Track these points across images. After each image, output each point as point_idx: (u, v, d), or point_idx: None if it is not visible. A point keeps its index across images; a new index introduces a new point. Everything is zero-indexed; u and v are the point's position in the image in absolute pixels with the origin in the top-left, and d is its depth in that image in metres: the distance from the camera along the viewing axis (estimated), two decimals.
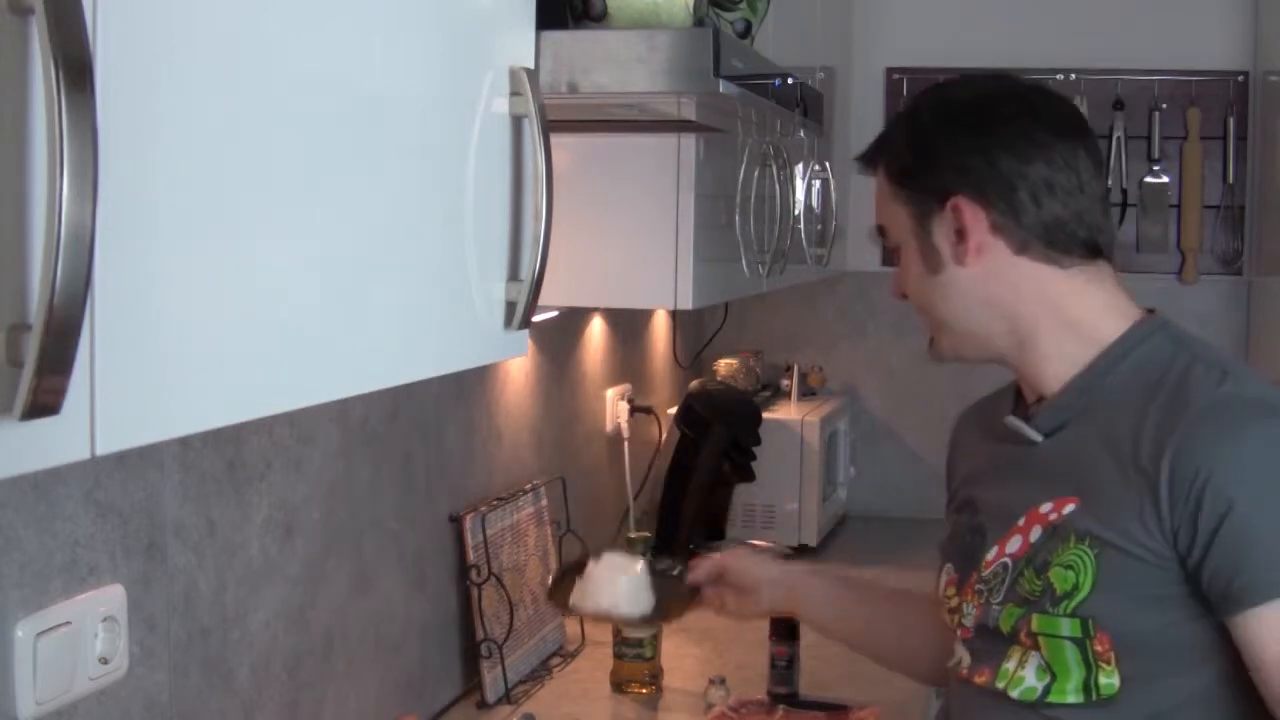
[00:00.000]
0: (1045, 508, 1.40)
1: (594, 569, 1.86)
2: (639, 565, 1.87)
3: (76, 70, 0.63)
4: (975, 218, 1.42)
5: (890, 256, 1.53)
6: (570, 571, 1.90)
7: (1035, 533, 1.40)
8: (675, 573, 1.90)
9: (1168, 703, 1.34)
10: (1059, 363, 1.44)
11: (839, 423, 3.48)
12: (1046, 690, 1.37)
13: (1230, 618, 1.30)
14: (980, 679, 1.44)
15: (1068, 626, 1.35)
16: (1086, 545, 1.35)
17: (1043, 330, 1.44)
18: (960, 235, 1.43)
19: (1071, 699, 1.36)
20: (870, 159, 1.52)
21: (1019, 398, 1.53)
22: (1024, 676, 1.39)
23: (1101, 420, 1.39)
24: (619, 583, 1.85)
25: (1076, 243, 1.43)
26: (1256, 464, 1.30)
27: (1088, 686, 1.35)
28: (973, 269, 1.43)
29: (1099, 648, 1.34)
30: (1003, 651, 1.42)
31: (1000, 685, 1.41)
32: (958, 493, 1.60)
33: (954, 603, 1.51)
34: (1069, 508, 1.38)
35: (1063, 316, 1.44)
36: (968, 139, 1.44)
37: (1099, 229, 1.44)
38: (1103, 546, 1.34)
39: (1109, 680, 1.34)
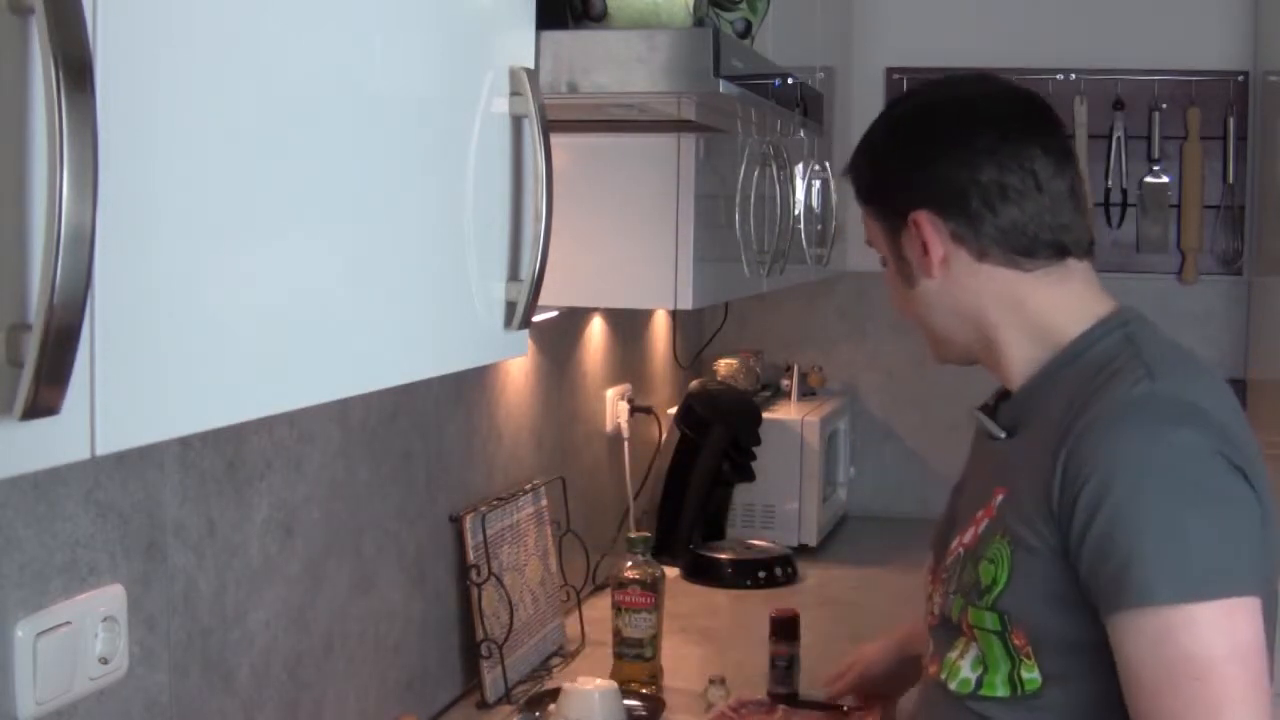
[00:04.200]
0: (991, 502, 1.42)
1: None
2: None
3: (76, 70, 0.63)
4: (935, 230, 1.44)
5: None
6: None
7: (983, 525, 1.41)
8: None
9: (1089, 704, 1.33)
10: (1022, 363, 1.46)
11: (839, 423, 3.48)
12: (979, 683, 1.39)
13: (1104, 620, 1.28)
14: (933, 669, 1.47)
15: (990, 620, 1.36)
16: (1006, 540, 1.36)
17: (1006, 333, 1.46)
18: (925, 249, 1.45)
19: (1000, 692, 1.37)
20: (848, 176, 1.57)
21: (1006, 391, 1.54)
22: (961, 667, 1.41)
23: (1044, 417, 1.40)
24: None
25: (1039, 244, 1.43)
26: (1135, 464, 1.27)
27: (1013, 680, 1.36)
28: (940, 280, 1.46)
29: (1017, 642, 1.35)
30: (951, 642, 1.44)
31: (943, 676, 1.43)
32: (958, 483, 1.62)
33: (929, 590, 1.54)
34: (1000, 499, 1.39)
35: (1024, 319, 1.45)
36: (915, 153, 1.46)
37: (1063, 228, 1.43)
38: (1016, 541, 1.35)
39: (1031, 675, 1.35)
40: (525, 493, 2.34)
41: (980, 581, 1.37)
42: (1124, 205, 3.50)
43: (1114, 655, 1.28)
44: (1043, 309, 1.44)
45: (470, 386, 2.21)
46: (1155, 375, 1.33)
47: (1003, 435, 1.46)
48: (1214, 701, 1.23)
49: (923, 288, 1.48)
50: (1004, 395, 1.52)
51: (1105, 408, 1.31)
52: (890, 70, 3.58)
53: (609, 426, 2.92)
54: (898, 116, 1.53)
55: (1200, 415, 1.30)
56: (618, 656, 2.23)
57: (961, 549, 1.44)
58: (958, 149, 1.43)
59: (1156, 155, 3.48)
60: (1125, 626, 1.26)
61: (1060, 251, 1.44)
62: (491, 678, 2.11)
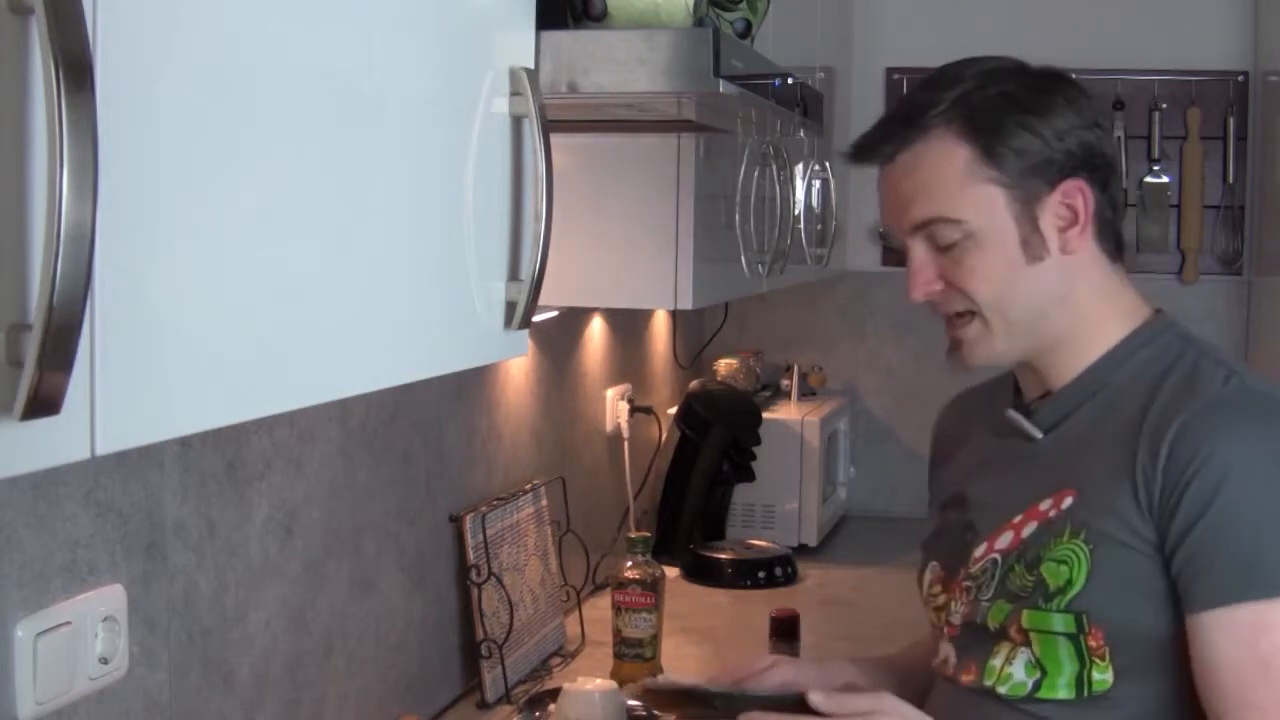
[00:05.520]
0: (1045, 504, 1.38)
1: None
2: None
3: (76, 70, 0.63)
4: (1089, 200, 1.37)
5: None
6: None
7: (1029, 528, 1.38)
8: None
9: (1158, 700, 1.32)
10: (1078, 359, 1.42)
11: (839, 423, 3.48)
12: (1036, 686, 1.36)
13: (1191, 614, 1.28)
14: (967, 677, 1.43)
15: (1060, 622, 1.33)
16: (1082, 539, 1.33)
17: (1085, 326, 1.41)
18: (1074, 219, 1.37)
19: (1062, 694, 1.34)
20: (924, 131, 1.38)
21: (1017, 391, 1.50)
22: (1012, 673, 1.37)
23: (1105, 413, 1.38)
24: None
25: (1116, 234, 1.42)
26: (1251, 460, 1.28)
27: (1080, 682, 1.34)
28: (1075, 257, 1.38)
29: (1092, 643, 1.33)
30: (989, 648, 1.40)
31: (988, 682, 1.39)
32: (946, 487, 1.57)
33: (940, 600, 1.49)
34: (1068, 501, 1.36)
35: (1102, 311, 1.42)
36: (1075, 118, 1.37)
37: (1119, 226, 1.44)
38: (1099, 540, 1.32)
39: (1102, 676, 1.33)
40: (525, 493, 2.34)
41: (1046, 584, 1.34)
42: (1124, 205, 3.49)
43: (1197, 649, 1.28)
44: (1113, 305, 1.42)
45: (470, 386, 2.21)
46: (1240, 373, 1.34)
47: (1040, 435, 1.43)
48: None
49: (1049, 265, 1.38)
50: (1018, 394, 1.50)
51: (1204, 403, 1.31)
52: (890, 70, 3.58)
53: (609, 426, 2.92)
54: (1034, 77, 1.40)
55: None
56: (618, 656, 2.24)
57: (997, 555, 1.40)
58: (1098, 120, 1.38)
59: (1156, 155, 3.48)
60: (1218, 620, 1.26)
61: (1120, 248, 1.43)
62: (491, 678, 2.11)
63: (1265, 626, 1.25)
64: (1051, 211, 1.37)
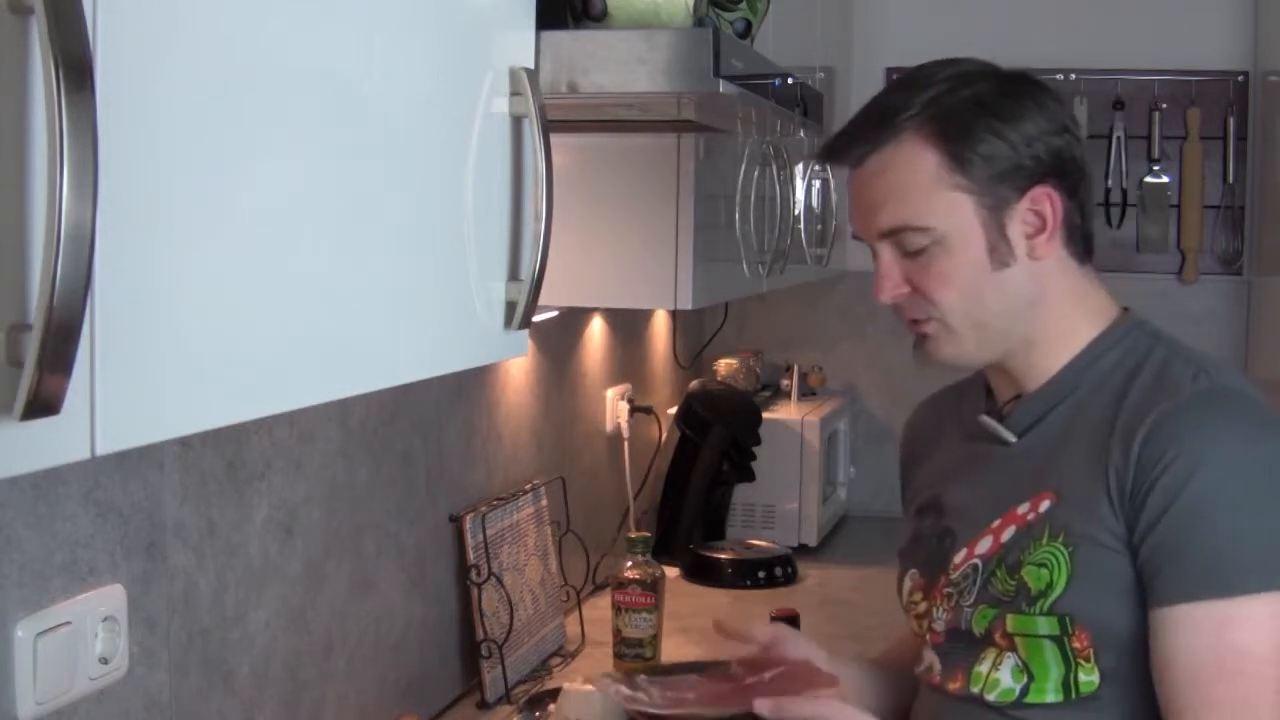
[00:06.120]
0: (1023, 508, 1.38)
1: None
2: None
3: (76, 70, 0.63)
4: (1057, 207, 1.37)
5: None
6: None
7: (1008, 533, 1.38)
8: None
9: (1146, 699, 1.32)
10: (1049, 360, 1.42)
11: (839, 423, 3.48)
12: (1024, 691, 1.35)
13: (1154, 609, 1.28)
14: (953, 685, 1.42)
15: (1045, 625, 1.33)
16: (1061, 541, 1.33)
17: (1055, 328, 1.42)
18: (1041, 226, 1.37)
19: (1050, 698, 1.34)
20: (895, 134, 1.38)
21: (988, 393, 1.50)
22: (999, 678, 1.37)
23: (1078, 414, 1.38)
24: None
25: (1085, 237, 1.42)
26: (1220, 458, 1.28)
27: (1067, 684, 1.33)
28: (1043, 262, 1.38)
29: (1078, 644, 1.32)
30: (975, 654, 1.39)
31: (976, 689, 1.39)
32: (920, 492, 1.56)
33: (922, 608, 1.48)
34: (1045, 504, 1.36)
35: (1073, 314, 1.42)
36: (1044, 123, 1.37)
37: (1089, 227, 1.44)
38: (1078, 541, 1.32)
39: (1089, 678, 1.32)
40: (525, 493, 2.34)
41: (1029, 588, 1.34)
42: (1124, 205, 3.50)
43: (1158, 643, 1.28)
44: (1083, 307, 1.42)
45: (470, 386, 2.21)
46: (1209, 370, 1.34)
47: (1014, 439, 1.43)
48: (1254, 699, 1.24)
49: (1016, 270, 1.37)
50: (990, 396, 1.49)
51: (1175, 401, 1.31)
52: (890, 70, 3.58)
53: (609, 426, 2.92)
54: (1005, 82, 1.39)
55: None
56: (618, 656, 2.24)
57: (977, 560, 1.40)
58: (1067, 125, 1.39)
59: (1156, 155, 3.48)
60: (1181, 615, 1.26)
61: (1089, 249, 1.43)
62: (491, 678, 2.11)
63: (1228, 623, 1.25)
64: (1019, 219, 1.37)
